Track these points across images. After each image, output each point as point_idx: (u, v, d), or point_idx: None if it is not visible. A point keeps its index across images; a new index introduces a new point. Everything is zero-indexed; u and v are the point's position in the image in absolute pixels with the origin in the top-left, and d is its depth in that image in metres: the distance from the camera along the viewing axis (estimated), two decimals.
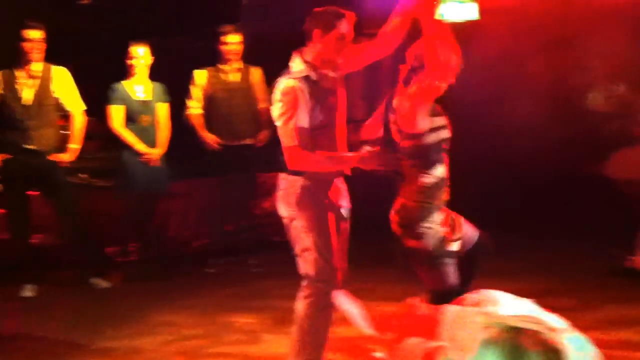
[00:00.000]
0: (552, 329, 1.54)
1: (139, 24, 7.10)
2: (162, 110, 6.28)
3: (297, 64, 3.70)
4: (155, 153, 6.20)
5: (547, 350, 1.62)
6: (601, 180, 7.18)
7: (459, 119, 4.00)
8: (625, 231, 6.49)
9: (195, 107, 6.34)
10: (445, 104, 3.82)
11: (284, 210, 3.77)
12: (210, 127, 6.36)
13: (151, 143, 6.23)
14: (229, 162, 6.33)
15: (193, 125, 6.35)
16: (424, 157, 3.59)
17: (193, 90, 6.34)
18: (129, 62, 6.12)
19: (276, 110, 3.65)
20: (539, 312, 1.67)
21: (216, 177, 6.50)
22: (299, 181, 3.67)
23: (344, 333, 4.83)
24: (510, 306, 1.75)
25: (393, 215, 3.68)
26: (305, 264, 3.74)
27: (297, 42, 6.91)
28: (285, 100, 3.59)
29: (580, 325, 3.41)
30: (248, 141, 6.44)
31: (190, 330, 5.00)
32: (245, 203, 6.68)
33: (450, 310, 1.87)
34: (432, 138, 3.58)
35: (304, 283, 3.80)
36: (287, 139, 3.60)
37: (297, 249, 3.77)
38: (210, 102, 6.34)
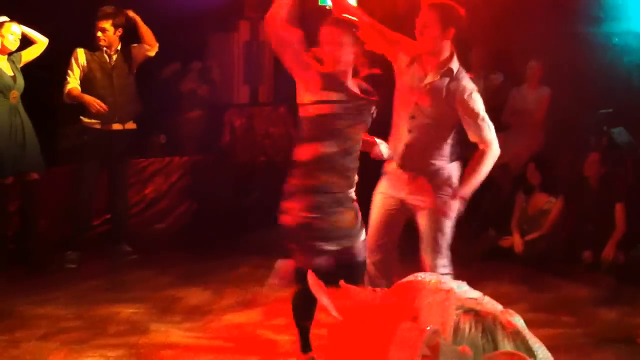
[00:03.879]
0: (504, 312, 1.63)
1: None
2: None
3: None
4: None
5: (511, 334, 1.71)
6: None
7: None
8: (499, 214, 6.77)
9: (73, 82, 6.02)
10: None
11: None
12: (88, 110, 6.09)
13: (27, 123, 5.91)
14: (108, 147, 6.09)
15: (74, 98, 6.00)
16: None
17: (72, 69, 6.03)
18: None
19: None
20: (477, 293, 1.77)
21: (82, 165, 6.16)
22: None
23: (235, 320, 4.81)
24: (456, 287, 1.84)
25: None
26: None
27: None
28: None
29: None
30: (129, 126, 6.24)
31: (69, 323, 4.74)
32: (121, 190, 6.41)
33: (425, 291, 1.89)
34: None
35: None
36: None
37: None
38: (88, 83, 6.06)
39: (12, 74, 5.90)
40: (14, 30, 5.85)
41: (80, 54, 6.07)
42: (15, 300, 5.18)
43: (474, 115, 3.91)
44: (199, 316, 4.89)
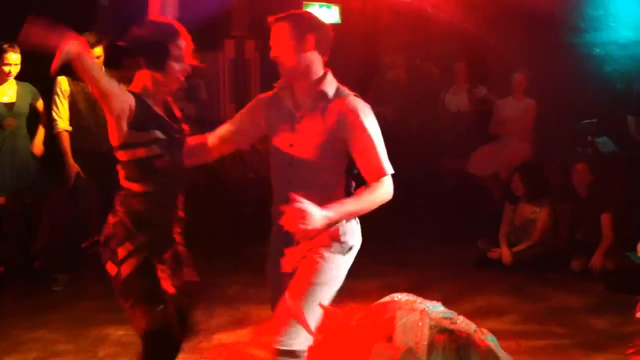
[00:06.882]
0: (477, 331, 1.70)
1: None
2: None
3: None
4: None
5: (484, 352, 1.77)
6: (464, 176, 7.51)
7: None
8: (490, 224, 6.81)
9: (64, 123, 5.98)
10: None
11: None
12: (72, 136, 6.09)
13: (21, 147, 6.00)
14: (100, 168, 6.08)
15: (61, 145, 6.00)
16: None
17: (59, 101, 5.96)
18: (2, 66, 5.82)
19: None
20: (451, 312, 1.84)
21: (76, 186, 6.16)
22: None
23: (225, 339, 4.81)
24: (431, 307, 1.90)
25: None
26: None
27: None
28: None
29: None
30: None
31: (61, 346, 4.74)
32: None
33: (400, 311, 1.94)
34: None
35: None
36: None
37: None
38: (72, 113, 6.03)
39: (11, 101, 5.91)
40: (14, 58, 5.83)
41: (64, 82, 5.93)
42: (7, 323, 5.18)
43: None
44: (189, 336, 4.87)
